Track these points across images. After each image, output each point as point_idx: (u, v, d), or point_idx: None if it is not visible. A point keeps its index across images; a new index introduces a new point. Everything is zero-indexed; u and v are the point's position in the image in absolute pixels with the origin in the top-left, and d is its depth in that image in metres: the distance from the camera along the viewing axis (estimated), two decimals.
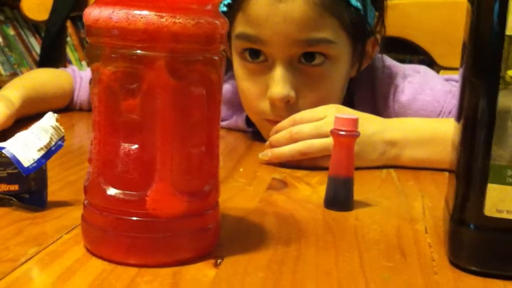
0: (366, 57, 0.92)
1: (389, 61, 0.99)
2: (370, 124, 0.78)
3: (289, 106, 0.83)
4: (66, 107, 1.06)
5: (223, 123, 0.98)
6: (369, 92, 0.95)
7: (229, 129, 0.98)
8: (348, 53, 0.87)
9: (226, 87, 0.96)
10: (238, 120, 0.98)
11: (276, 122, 0.83)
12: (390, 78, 0.95)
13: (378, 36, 0.93)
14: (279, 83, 0.82)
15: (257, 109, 0.87)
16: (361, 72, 0.92)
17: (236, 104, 0.96)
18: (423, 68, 0.99)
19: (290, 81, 0.83)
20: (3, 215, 0.55)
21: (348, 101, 0.90)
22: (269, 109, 0.85)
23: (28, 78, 1.06)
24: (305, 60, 0.83)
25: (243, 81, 0.88)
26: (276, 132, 0.80)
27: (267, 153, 0.79)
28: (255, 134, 0.94)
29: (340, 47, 0.84)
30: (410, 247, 0.53)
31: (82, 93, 1.06)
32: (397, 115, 0.91)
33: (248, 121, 0.96)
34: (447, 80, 0.97)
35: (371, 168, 0.78)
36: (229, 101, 0.97)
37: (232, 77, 0.93)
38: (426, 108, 0.92)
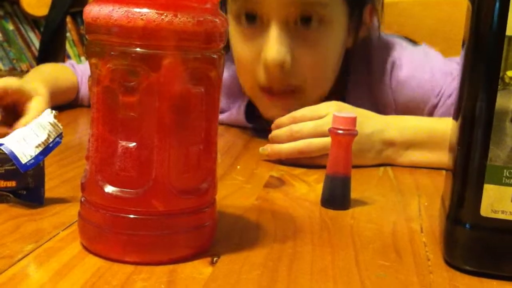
0: (363, 26, 0.90)
1: (386, 34, 0.97)
2: (369, 123, 0.78)
3: (284, 72, 0.82)
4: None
5: (223, 116, 0.97)
6: (365, 67, 0.93)
7: (229, 125, 0.98)
8: (345, 19, 0.86)
9: (223, 74, 0.96)
10: (237, 113, 0.97)
11: (270, 90, 0.82)
12: (386, 51, 0.93)
13: (377, 7, 0.91)
14: (274, 45, 0.80)
15: (251, 75, 0.86)
16: (357, 45, 0.91)
17: (235, 92, 0.95)
18: (424, 45, 0.97)
19: (286, 42, 0.81)
20: (0, 212, 0.55)
21: (343, 76, 0.89)
22: (263, 75, 0.83)
23: (44, 72, 1.04)
24: (301, 22, 0.82)
25: (238, 45, 0.87)
26: (277, 127, 0.80)
27: (267, 148, 0.79)
28: (254, 131, 0.94)
29: (336, 11, 0.83)
30: (406, 246, 0.53)
31: (84, 87, 1.06)
32: (393, 92, 0.90)
33: (248, 115, 0.95)
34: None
35: (368, 166, 0.78)
36: (227, 88, 0.95)
37: (229, 60, 0.91)
38: (424, 86, 0.90)
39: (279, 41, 0.81)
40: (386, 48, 0.94)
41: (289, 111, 0.81)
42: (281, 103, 0.85)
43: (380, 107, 0.90)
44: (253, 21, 0.83)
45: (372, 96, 0.92)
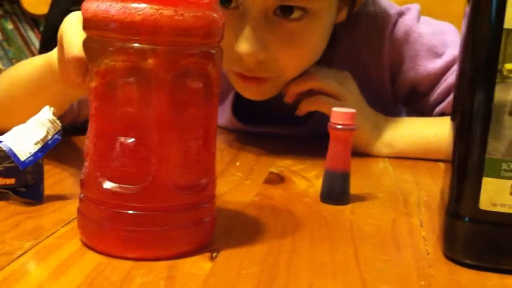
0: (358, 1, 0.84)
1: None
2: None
3: (259, 63, 0.75)
4: None
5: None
6: (351, 34, 0.89)
7: (220, 127, 0.94)
8: (333, 4, 0.78)
9: None
10: (226, 113, 0.92)
11: (244, 76, 0.78)
12: (382, 14, 0.88)
13: None
14: (248, 40, 0.73)
15: (225, 59, 0.84)
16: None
17: (223, 89, 0.89)
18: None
19: (262, 37, 0.73)
20: (0, 209, 0.55)
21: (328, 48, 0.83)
22: (237, 62, 0.76)
23: None
24: (281, 13, 0.73)
25: None
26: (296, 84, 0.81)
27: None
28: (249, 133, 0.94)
29: (322, 1, 0.75)
30: (405, 241, 0.53)
31: None
32: (390, 54, 0.88)
33: (235, 111, 0.91)
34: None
35: (368, 156, 0.78)
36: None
37: None
38: (423, 41, 0.87)
39: (254, 36, 0.73)
40: (382, 13, 0.89)
41: (264, 94, 0.81)
42: (254, 87, 0.80)
43: (372, 71, 0.89)
44: (229, 2, 0.74)
45: (360, 61, 0.89)
